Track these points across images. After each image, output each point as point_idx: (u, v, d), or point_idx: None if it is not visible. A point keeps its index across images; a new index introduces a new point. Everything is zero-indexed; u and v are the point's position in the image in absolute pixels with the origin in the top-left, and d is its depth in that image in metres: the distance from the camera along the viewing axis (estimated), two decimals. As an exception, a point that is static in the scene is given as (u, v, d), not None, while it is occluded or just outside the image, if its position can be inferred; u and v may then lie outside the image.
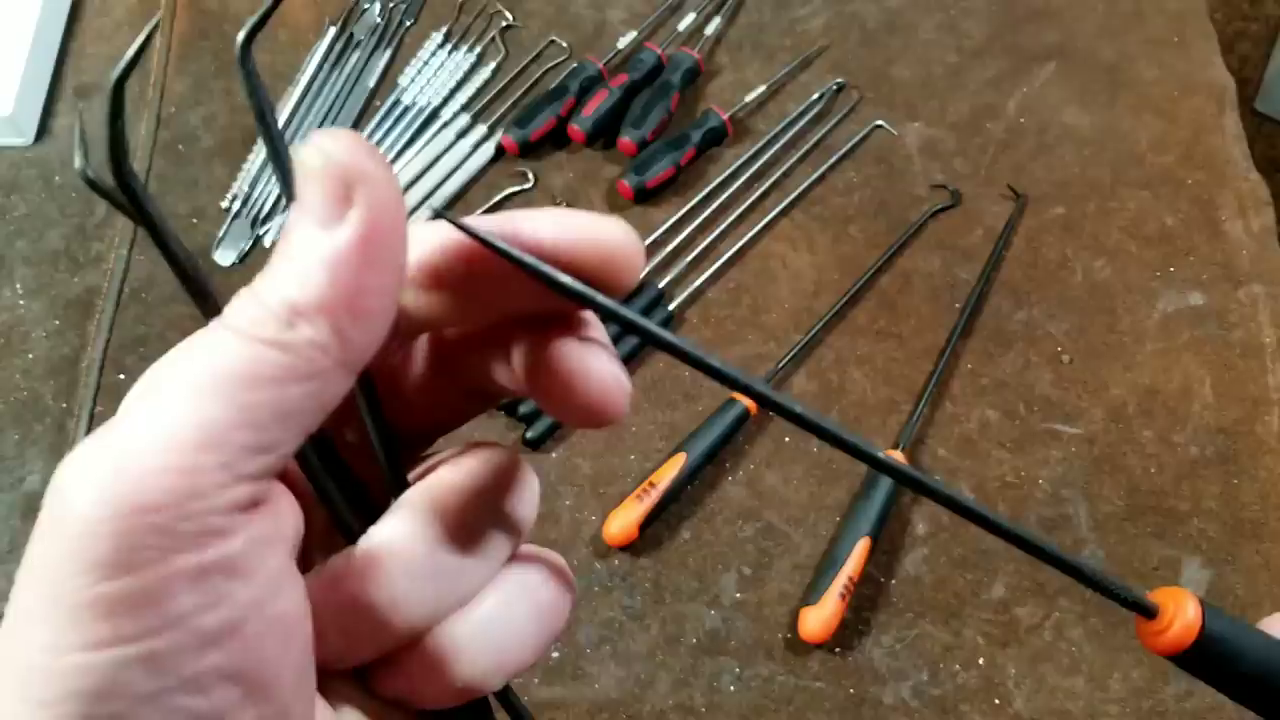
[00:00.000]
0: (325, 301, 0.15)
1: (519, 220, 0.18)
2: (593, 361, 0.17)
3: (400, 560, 0.17)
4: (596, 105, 0.68)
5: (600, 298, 0.17)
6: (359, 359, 0.15)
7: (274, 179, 0.68)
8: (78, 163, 0.16)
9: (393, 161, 0.69)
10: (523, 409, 0.59)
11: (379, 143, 0.69)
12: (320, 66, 0.72)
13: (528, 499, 0.18)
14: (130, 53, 0.15)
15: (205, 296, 0.17)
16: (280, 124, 0.70)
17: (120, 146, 0.16)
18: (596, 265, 0.17)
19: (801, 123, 0.70)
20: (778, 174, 0.68)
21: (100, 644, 0.14)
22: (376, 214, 0.15)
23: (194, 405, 0.14)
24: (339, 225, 0.15)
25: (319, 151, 0.15)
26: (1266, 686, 0.21)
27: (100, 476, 0.14)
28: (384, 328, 0.16)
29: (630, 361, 0.62)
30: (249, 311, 0.15)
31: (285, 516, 0.16)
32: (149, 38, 0.16)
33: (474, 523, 0.18)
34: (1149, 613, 0.21)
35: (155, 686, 0.14)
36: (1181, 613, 0.21)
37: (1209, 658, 0.21)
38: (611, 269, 0.18)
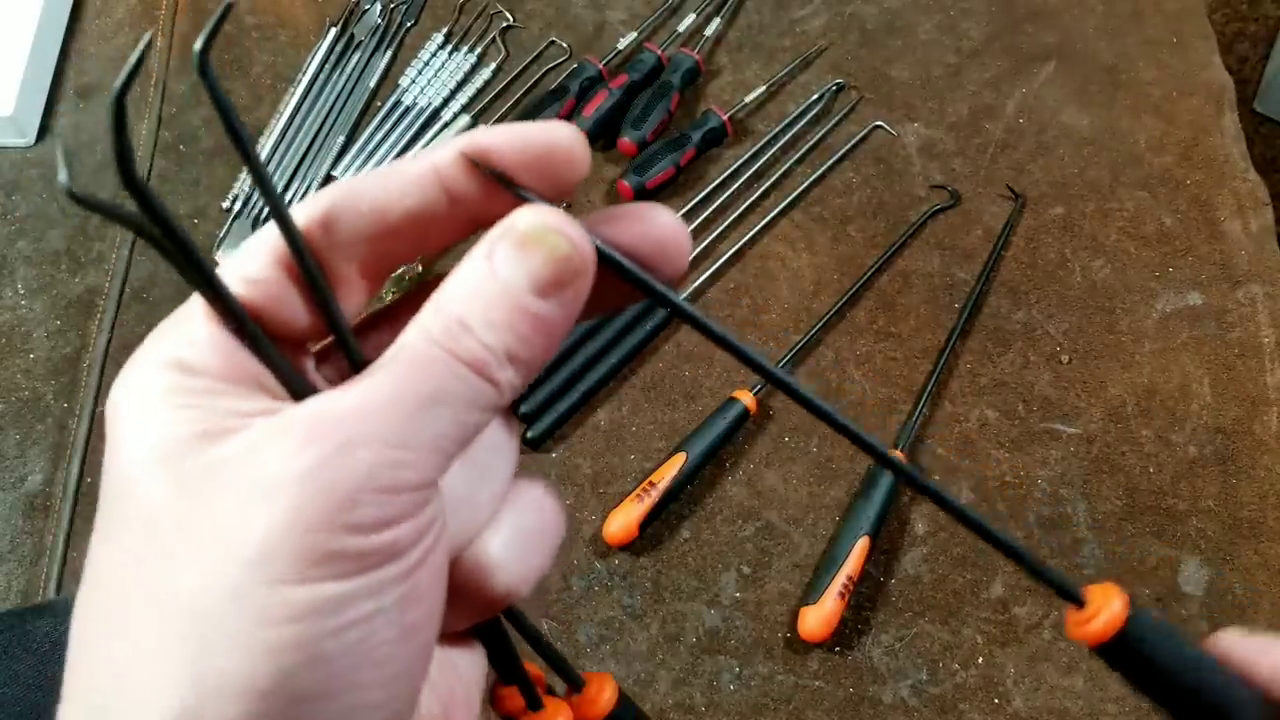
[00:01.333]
0: (530, 359, 0.18)
1: (479, 139, 0.19)
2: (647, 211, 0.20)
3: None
4: (597, 106, 0.68)
5: (645, 277, 0.20)
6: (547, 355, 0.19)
7: (275, 179, 0.68)
8: (62, 178, 0.16)
9: (394, 162, 0.69)
10: (523, 409, 0.59)
11: (380, 143, 0.69)
12: (321, 67, 0.72)
13: (515, 440, 0.22)
14: (130, 64, 0.16)
15: (230, 306, 0.18)
16: (281, 124, 0.70)
17: (128, 158, 0.16)
18: (541, 165, 0.19)
19: (801, 123, 0.70)
20: (777, 174, 0.68)
21: (331, 577, 0.16)
22: (578, 302, 0.18)
23: (428, 414, 0.17)
24: (552, 303, 0.18)
25: (565, 238, 0.18)
26: (1179, 691, 0.22)
27: (316, 456, 0.17)
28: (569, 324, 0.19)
29: (630, 361, 0.62)
30: (473, 348, 0.18)
31: (441, 497, 0.19)
32: (145, 51, 0.16)
33: (484, 458, 0.21)
34: (1077, 602, 0.22)
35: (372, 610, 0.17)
36: (1108, 607, 0.22)
37: (1128, 654, 0.22)
38: (557, 168, 0.19)
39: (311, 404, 0.17)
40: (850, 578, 0.53)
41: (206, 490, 0.17)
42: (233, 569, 0.16)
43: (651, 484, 0.56)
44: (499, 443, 0.21)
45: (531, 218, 0.18)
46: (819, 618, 0.52)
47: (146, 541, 0.17)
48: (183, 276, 0.18)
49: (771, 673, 0.53)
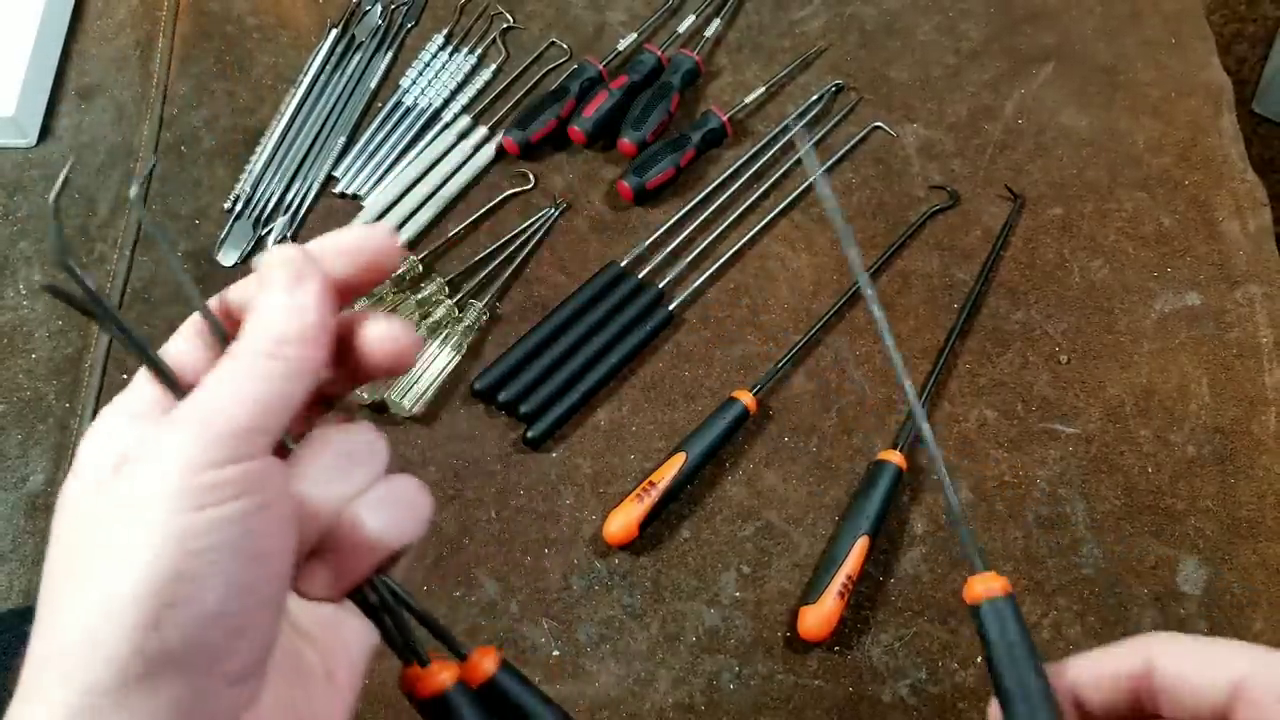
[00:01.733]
0: (298, 333, 0.25)
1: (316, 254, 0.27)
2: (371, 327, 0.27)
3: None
4: (597, 106, 0.68)
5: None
6: (317, 367, 0.25)
7: (277, 179, 0.68)
8: (52, 251, 0.24)
9: (394, 163, 0.69)
10: (524, 409, 0.59)
11: (380, 144, 0.70)
12: (322, 68, 0.72)
13: (382, 442, 0.28)
14: (60, 178, 0.24)
15: (167, 377, 0.26)
16: (282, 125, 0.70)
17: (65, 252, 0.24)
18: (364, 266, 0.28)
19: (801, 124, 0.70)
20: (777, 175, 0.68)
21: (239, 459, 0.24)
22: (319, 288, 0.26)
23: (256, 388, 0.24)
24: (298, 292, 0.25)
25: (285, 259, 0.26)
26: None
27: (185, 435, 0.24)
28: (327, 351, 0.26)
29: (630, 361, 0.62)
30: (261, 344, 0.25)
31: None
32: (70, 169, 0.25)
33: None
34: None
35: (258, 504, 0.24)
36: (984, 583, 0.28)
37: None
38: (373, 264, 0.28)
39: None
40: (850, 577, 0.53)
41: (121, 473, 0.24)
42: (141, 498, 0.23)
43: (651, 484, 0.56)
44: (368, 441, 0.27)
45: (281, 272, 0.26)
46: (818, 617, 0.52)
47: (90, 493, 0.24)
48: (124, 346, 0.26)
49: (771, 672, 0.53)
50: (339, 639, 0.30)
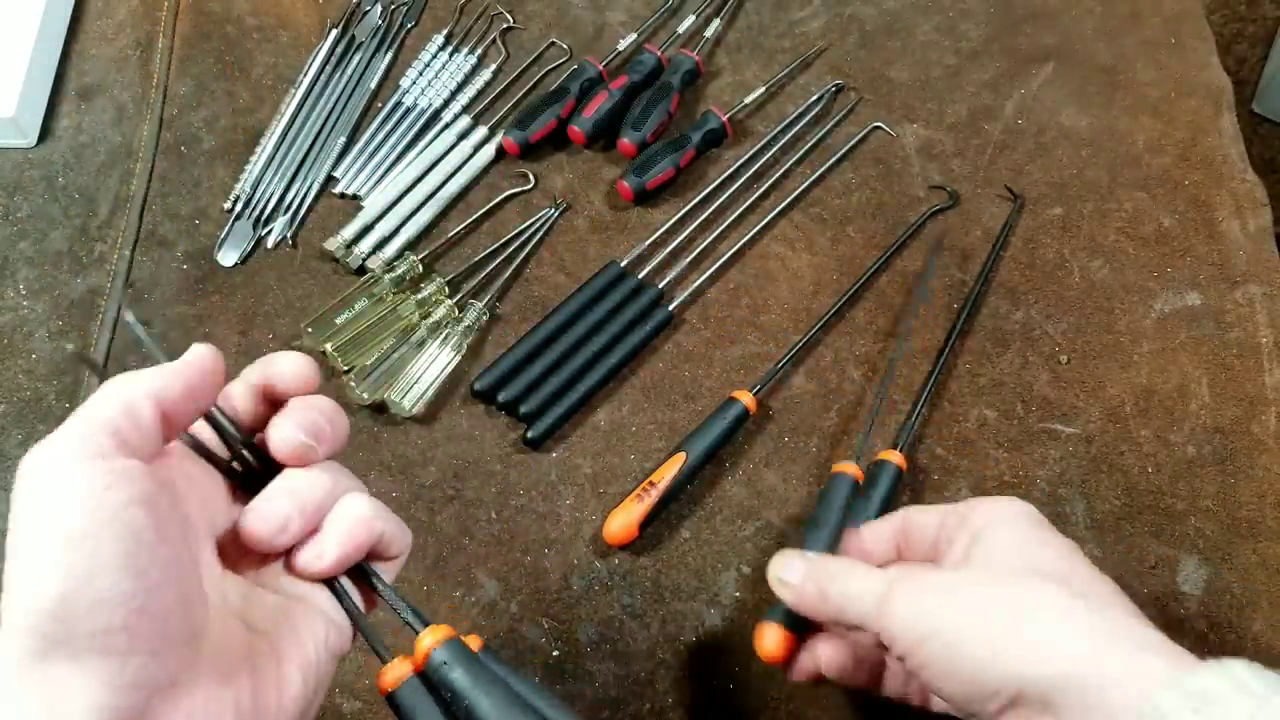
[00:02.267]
0: (181, 369, 0.32)
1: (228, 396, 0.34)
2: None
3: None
4: (597, 107, 0.68)
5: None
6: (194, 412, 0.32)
7: (277, 179, 0.68)
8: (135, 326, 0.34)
9: (394, 163, 0.69)
10: (524, 409, 0.59)
11: (380, 144, 0.70)
12: (322, 69, 0.72)
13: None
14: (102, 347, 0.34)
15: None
16: (282, 125, 0.70)
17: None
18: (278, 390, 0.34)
19: (800, 124, 0.70)
20: (777, 175, 0.68)
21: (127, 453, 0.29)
22: (200, 363, 0.32)
23: (154, 387, 0.31)
24: (185, 365, 0.32)
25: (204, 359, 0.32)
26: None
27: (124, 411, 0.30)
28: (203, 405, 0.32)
29: (630, 361, 0.62)
30: (153, 382, 0.31)
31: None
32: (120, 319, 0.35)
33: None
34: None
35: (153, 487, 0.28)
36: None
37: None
38: (283, 388, 0.34)
39: None
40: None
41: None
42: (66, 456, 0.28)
43: (651, 484, 0.56)
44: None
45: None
46: (818, 617, 0.52)
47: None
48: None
49: (772, 672, 0.53)
50: (294, 634, 0.31)
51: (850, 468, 0.53)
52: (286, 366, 0.34)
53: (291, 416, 0.33)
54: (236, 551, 0.32)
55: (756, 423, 0.60)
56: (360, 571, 0.33)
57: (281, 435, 0.32)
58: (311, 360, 0.34)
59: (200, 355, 0.31)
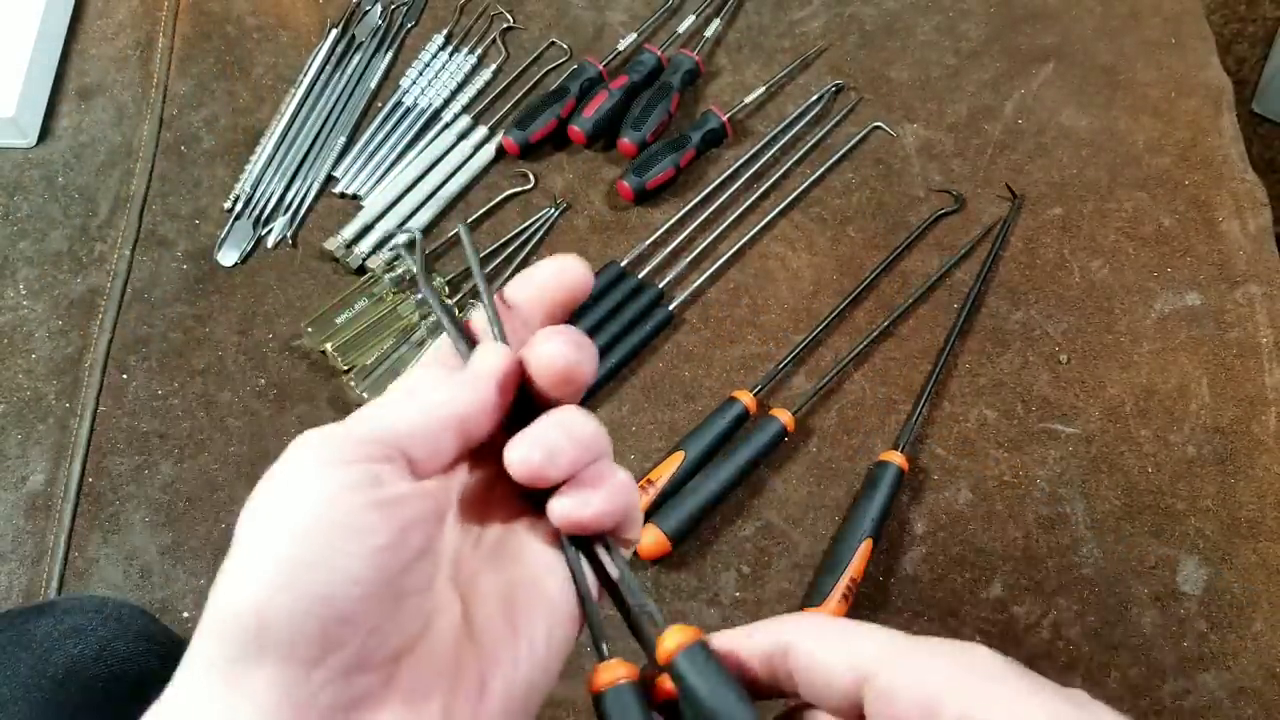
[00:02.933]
0: (483, 375, 0.28)
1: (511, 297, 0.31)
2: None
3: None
4: (597, 106, 0.68)
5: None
6: (470, 431, 0.28)
7: (277, 179, 0.68)
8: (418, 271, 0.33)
9: (394, 163, 0.69)
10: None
11: (380, 144, 0.70)
12: (322, 68, 0.72)
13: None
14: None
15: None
16: (282, 125, 0.70)
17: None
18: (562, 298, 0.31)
19: (800, 124, 0.70)
20: (777, 175, 0.68)
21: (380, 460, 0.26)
22: (503, 359, 0.29)
23: (456, 396, 0.27)
24: (498, 354, 0.29)
25: (492, 357, 0.29)
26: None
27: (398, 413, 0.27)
28: (481, 430, 0.28)
29: (630, 361, 0.62)
30: (472, 375, 0.28)
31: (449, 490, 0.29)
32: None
33: None
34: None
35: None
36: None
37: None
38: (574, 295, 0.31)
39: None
40: (853, 580, 0.53)
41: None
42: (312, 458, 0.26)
43: (650, 482, 0.56)
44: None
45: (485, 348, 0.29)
46: (818, 617, 0.52)
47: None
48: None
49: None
50: (506, 653, 0.27)
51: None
52: (571, 274, 0.30)
53: (561, 333, 0.29)
54: (477, 514, 0.29)
55: (756, 423, 0.60)
56: (590, 552, 0.30)
57: (552, 350, 0.29)
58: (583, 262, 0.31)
59: (501, 367, 0.28)
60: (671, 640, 0.27)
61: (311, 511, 0.24)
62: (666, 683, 0.27)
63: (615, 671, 0.27)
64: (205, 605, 0.24)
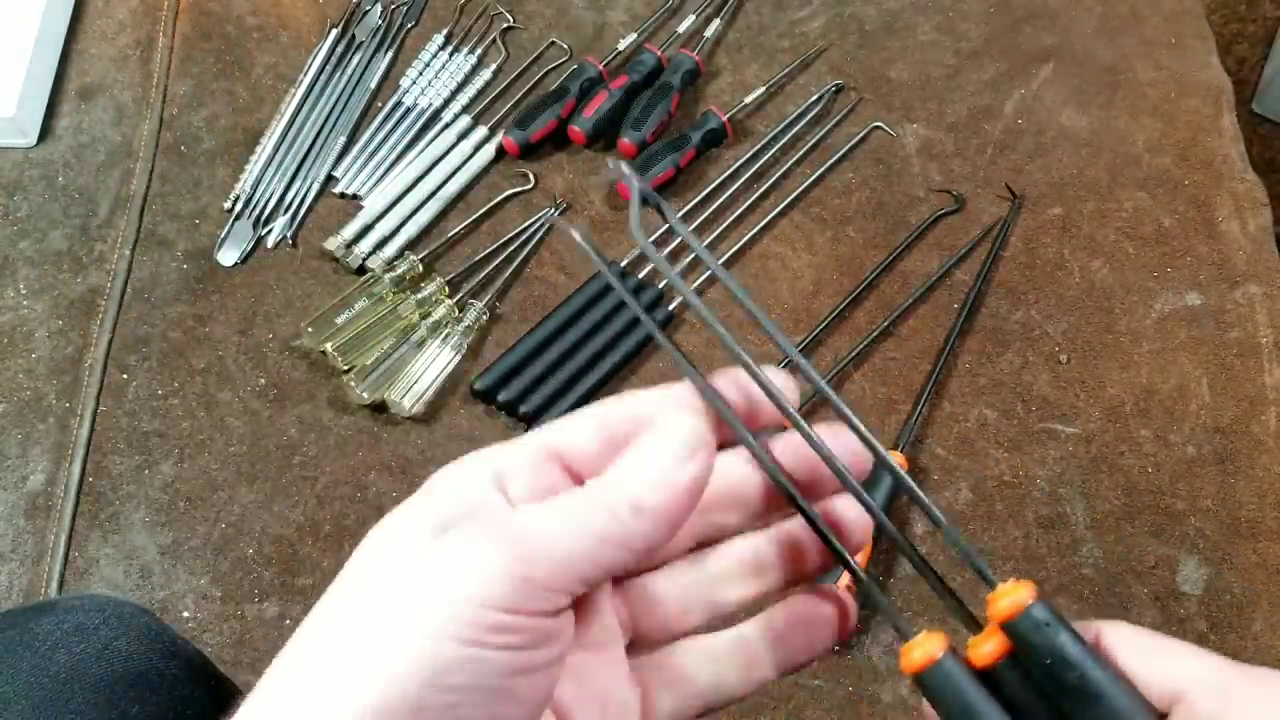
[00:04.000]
0: (660, 511, 0.23)
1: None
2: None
3: None
4: (597, 107, 0.68)
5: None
6: (658, 546, 0.23)
7: (277, 179, 0.68)
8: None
9: (394, 163, 0.69)
10: (523, 409, 0.59)
11: (380, 144, 0.70)
12: (322, 68, 0.72)
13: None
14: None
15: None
16: (282, 125, 0.70)
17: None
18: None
19: (800, 124, 0.70)
20: (777, 175, 0.68)
21: (481, 643, 0.21)
22: (703, 473, 0.23)
23: (591, 547, 0.22)
24: (684, 469, 0.23)
25: (693, 420, 0.24)
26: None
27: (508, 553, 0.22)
28: (675, 530, 0.24)
29: (630, 361, 0.62)
30: (619, 502, 0.23)
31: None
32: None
33: None
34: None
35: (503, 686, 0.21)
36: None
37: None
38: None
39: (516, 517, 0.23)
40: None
41: (420, 561, 0.22)
42: (429, 613, 0.21)
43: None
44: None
45: (683, 434, 0.24)
46: (818, 617, 0.52)
47: (378, 575, 0.22)
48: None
49: (771, 672, 0.53)
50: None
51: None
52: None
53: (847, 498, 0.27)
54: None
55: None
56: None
57: (856, 516, 0.27)
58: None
59: (688, 489, 0.23)
60: (1012, 597, 0.24)
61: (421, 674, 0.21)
62: (980, 650, 0.25)
63: (932, 645, 0.25)
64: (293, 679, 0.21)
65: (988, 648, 0.25)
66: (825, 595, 0.28)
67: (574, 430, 0.25)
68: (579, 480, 0.25)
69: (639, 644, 0.27)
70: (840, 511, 0.27)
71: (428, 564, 0.22)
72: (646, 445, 0.24)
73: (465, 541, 0.22)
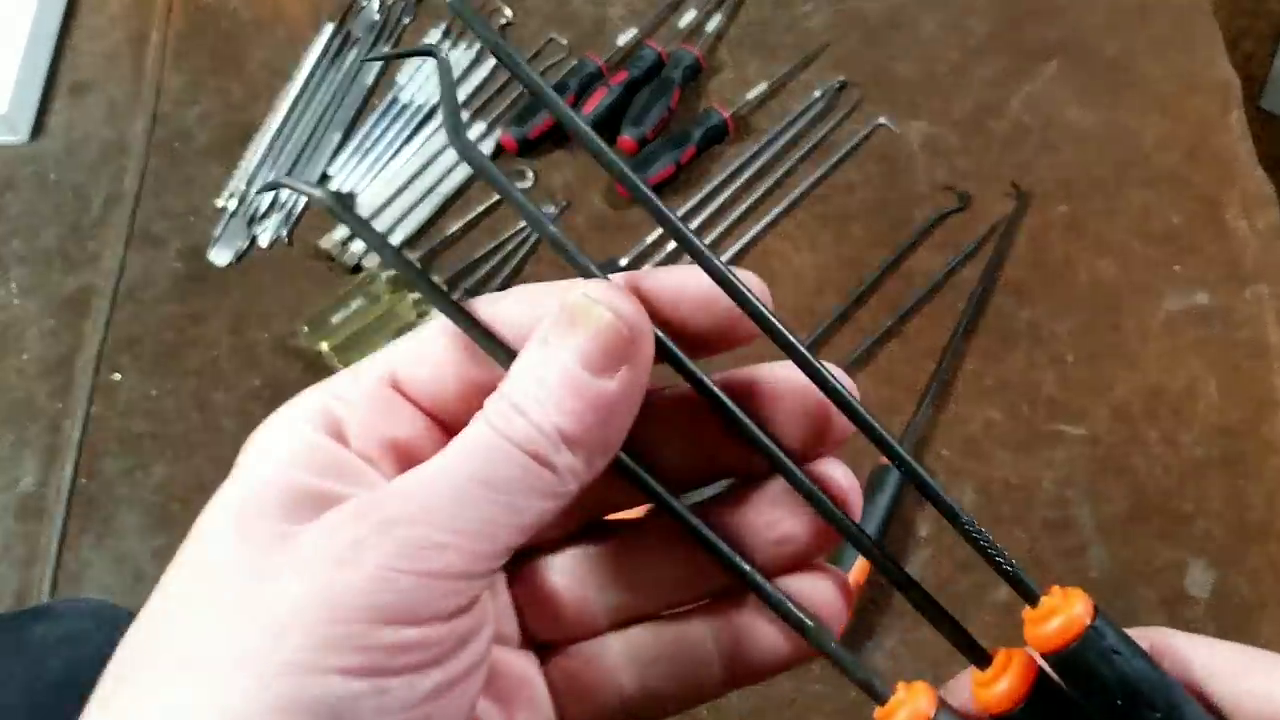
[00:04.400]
0: (591, 439, 0.17)
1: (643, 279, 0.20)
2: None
3: None
4: (596, 103, 0.68)
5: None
6: (592, 479, 0.18)
7: (270, 177, 0.67)
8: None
9: (390, 160, 0.68)
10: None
11: (376, 141, 0.69)
12: (317, 64, 0.71)
13: None
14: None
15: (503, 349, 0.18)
16: (277, 121, 0.69)
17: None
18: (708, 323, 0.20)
19: (803, 121, 0.70)
20: (779, 173, 0.67)
21: (352, 672, 0.15)
22: (642, 376, 0.18)
23: (476, 500, 0.16)
24: (611, 378, 0.17)
25: (605, 307, 0.17)
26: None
27: (367, 533, 0.16)
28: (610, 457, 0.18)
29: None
30: (524, 430, 0.17)
31: (489, 605, 0.18)
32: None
33: None
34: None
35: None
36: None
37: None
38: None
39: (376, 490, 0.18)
40: (856, 583, 0.52)
41: (262, 561, 0.16)
42: (255, 641, 0.15)
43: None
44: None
45: (577, 293, 0.18)
46: (821, 622, 0.52)
47: (200, 590, 0.17)
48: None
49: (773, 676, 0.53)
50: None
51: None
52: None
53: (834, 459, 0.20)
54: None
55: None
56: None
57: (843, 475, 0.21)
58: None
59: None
60: (1064, 615, 0.19)
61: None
62: (993, 691, 0.19)
63: (917, 703, 0.19)
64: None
65: (1003, 686, 0.18)
66: (822, 573, 0.21)
67: (425, 348, 0.18)
68: (438, 420, 0.18)
69: (533, 642, 0.21)
70: (826, 472, 0.20)
71: (257, 575, 0.16)
72: (552, 346, 0.17)
73: (320, 537, 0.16)
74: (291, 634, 0.15)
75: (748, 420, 0.20)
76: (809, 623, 0.20)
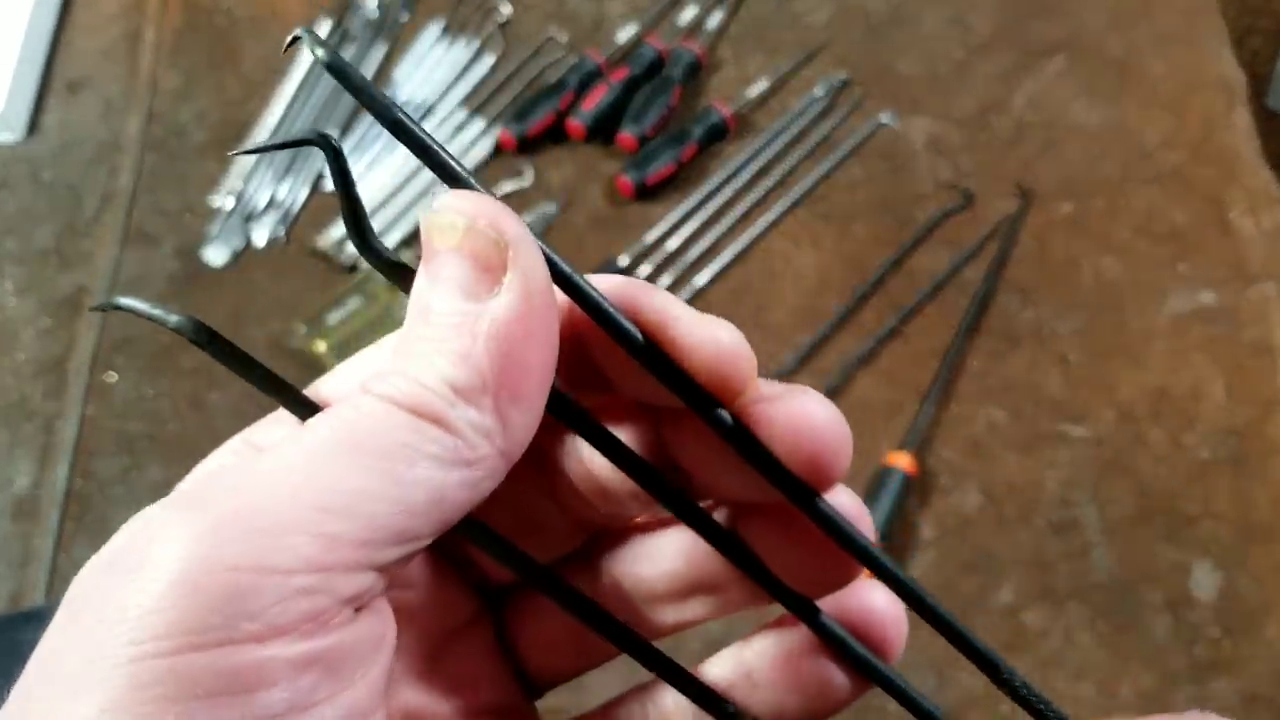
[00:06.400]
0: (488, 381, 0.13)
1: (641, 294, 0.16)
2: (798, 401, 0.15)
3: None
4: (596, 100, 0.67)
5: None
6: (518, 447, 0.14)
7: (267, 175, 0.67)
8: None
9: (387, 158, 0.68)
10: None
11: (375, 139, 0.68)
12: (314, 61, 0.71)
13: None
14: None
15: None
16: (274, 120, 0.68)
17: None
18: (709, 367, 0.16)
19: (805, 119, 0.69)
20: (781, 170, 0.67)
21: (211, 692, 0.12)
22: (533, 282, 0.14)
23: (341, 467, 0.12)
24: (492, 297, 0.14)
25: (457, 214, 0.14)
26: None
27: (202, 524, 0.12)
28: (540, 409, 0.14)
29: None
30: (403, 386, 0.13)
31: (391, 624, 0.14)
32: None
33: None
34: None
35: None
36: None
37: None
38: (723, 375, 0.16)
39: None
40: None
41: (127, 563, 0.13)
42: (113, 652, 0.12)
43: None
44: None
45: (431, 209, 0.14)
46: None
47: (80, 604, 0.14)
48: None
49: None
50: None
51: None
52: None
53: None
54: None
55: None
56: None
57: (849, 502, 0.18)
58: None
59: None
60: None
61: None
62: None
63: None
64: None
65: None
66: (865, 613, 0.18)
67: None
68: None
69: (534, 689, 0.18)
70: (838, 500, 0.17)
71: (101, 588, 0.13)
72: (420, 282, 0.14)
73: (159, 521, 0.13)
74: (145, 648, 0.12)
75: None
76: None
